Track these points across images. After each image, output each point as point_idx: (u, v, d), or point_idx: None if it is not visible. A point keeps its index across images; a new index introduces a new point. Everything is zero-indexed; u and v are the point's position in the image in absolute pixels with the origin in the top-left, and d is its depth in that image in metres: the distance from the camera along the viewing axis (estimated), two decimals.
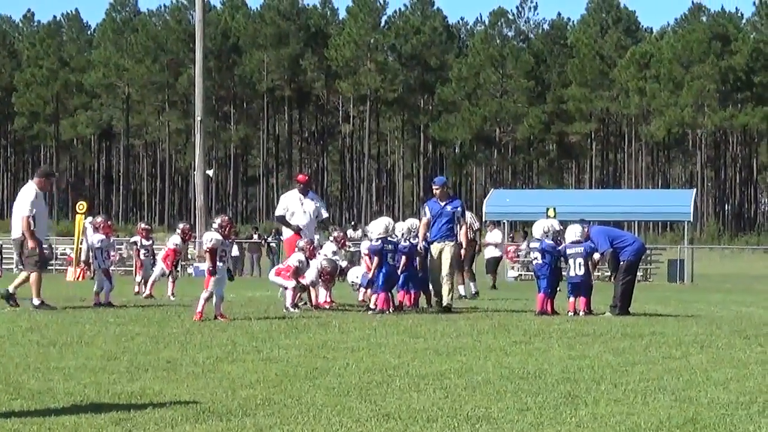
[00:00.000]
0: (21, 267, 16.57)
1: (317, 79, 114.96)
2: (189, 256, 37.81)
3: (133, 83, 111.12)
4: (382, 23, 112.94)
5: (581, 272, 15.57)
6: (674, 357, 10.20)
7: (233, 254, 32.12)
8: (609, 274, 21.02)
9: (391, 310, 15.39)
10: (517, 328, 12.91)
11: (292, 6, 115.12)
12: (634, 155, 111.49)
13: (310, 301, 16.52)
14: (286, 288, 15.93)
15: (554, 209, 33.60)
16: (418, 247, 16.08)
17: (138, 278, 21.84)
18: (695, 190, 56.51)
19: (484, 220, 39.16)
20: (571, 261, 15.67)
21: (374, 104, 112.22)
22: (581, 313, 15.44)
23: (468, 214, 24.15)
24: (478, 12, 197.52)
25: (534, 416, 6.78)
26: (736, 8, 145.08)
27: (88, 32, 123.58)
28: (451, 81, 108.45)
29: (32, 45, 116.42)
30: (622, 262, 16.07)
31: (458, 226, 16.47)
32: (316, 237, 17.38)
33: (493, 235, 34.46)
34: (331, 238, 17.88)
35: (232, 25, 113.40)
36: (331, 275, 16.45)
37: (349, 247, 25.94)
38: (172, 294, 19.89)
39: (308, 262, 16.05)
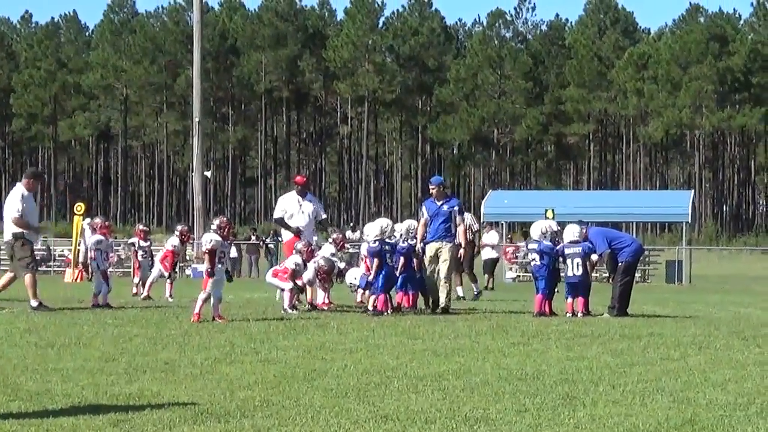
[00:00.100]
0: (10, 269, 16.38)
1: (315, 80, 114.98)
2: (187, 258, 37.79)
3: (131, 84, 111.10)
4: (380, 24, 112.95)
5: (579, 272, 15.57)
6: (672, 358, 10.20)
7: (232, 256, 32.13)
8: (607, 275, 21.00)
9: (389, 312, 15.39)
10: (515, 330, 12.91)
11: (290, 7, 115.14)
12: (632, 156, 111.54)
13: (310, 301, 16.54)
14: (283, 290, 15.93)
15: (553, 211, 33.62)
16: (416, 248, 16.08)
17: (136, 280, 21.83)
18: (693, 191, 56.53)
19: (482, 221, 39.15)
20: (569, 261, 15.66)
21: (372, 105, 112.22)
22: (579, 315, 15.44)
23: (468, 215, 24.15)
24: (476, 13, 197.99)
25: (532, 417, 6.78)
26: (734, 9, 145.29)
27: (86, 33, 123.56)
28: (449, 82, 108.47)
29: (30, 46, 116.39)
30: (620, 263, 16.07)
31: (455, 226, 16.44)
32: (315, 238, 17.37)
33: (490, 237, 34.46)
34: (330, 240, 17.87)
35: (230, 26, 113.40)
36: (328, 273, 16.43)
37: (348, 248, 25.93)
38: (170, 295, 19.89)
39: (306, 265, 16.04)
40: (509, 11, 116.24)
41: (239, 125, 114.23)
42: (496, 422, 6.62)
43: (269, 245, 42.83)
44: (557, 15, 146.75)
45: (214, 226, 14.38)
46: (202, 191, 41.93)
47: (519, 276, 40.93)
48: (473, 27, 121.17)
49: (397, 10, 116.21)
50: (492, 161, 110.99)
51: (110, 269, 19.01)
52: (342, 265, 17.57)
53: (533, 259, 16.13)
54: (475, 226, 24.82)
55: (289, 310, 15.46)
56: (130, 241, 24.23)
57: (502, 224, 44.05)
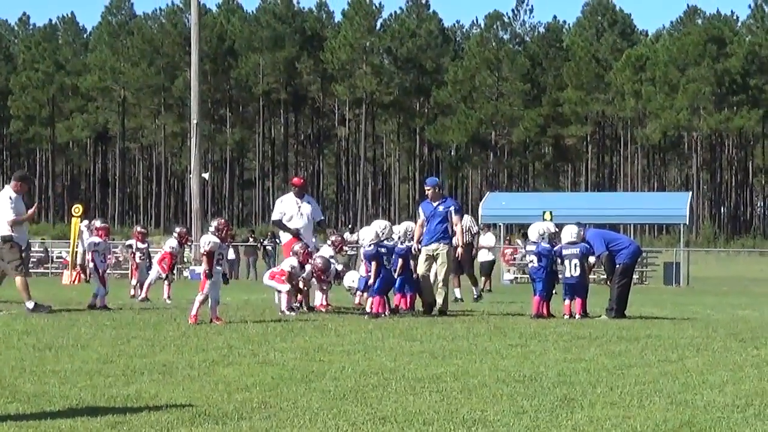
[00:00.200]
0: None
1: (313, 82, 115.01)
2: (185, 260, 37.78)
3: (129, 86, 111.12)
4: (378, 26, 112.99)
5: (576, 273, 15.57)
6: (670, 360, 10.21)
7: (229, 257, 32.12)
8: (604, 277, 21.02)
9: (387, 313, 15.38)
10: (513, 331, 12.91)
11: (288, 9, 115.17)
12: (630, 158, 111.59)
13: (307, 303, 16.53)
14: (280, 291, 15.92)
15: (551, 213, 33.63)
16: (413, 249, 16.07)
17: (134, 281, 21.82)
18: (691, 192, 56.56)
19: (479, 223, 39.15)
20: (566, 262, 15.65)
21: (370, 107, 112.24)
22: (577, 316, 15.44)
23: (467, 217, 24.14)
24: (473, 15, 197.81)
25: (530, 419, 6.78)
26: (732, 11, 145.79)
27: (84, 35, 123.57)
28: (447, 84, 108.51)
29: (28, 48, 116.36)
30: (618, 265, 16.07)
31: (452, 227, 16.40)
32: (313, 240, 17.34)
33: (487, 239, 34.45)
34: (329, 242, 17.85)
35: (227, 28, 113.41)
36: (323, 271, 16.40)
37: (346, 251, 25.90)
38: (168, 297, 19.88)
39: (303, 267, 16.02)
40: (507, 13, 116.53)
41: (237, 127, 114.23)
42: (494, 424, 6.62)
43: (267, 247, 42.82)
44: (555, 17, 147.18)
45: (212, 228, 14.36)
46: (200, 193, 41.91)
47: (517, 278, 40.94)
48: (471, 29, 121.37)
49: (395, 12, 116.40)
50: (490, 163, 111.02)
51: (108, 271, 19.01)
52: (340, 267, 17.55)
53: (531, 261, 16.13)
54: (475, 228, 24.81)
55: (287, 312, 15.46)
56: (128, 242, 24.22)
57: (499, 226, 44.08)
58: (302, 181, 17.99)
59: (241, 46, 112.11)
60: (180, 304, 17.98)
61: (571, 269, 15.59)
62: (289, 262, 15.97)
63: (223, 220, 14.64)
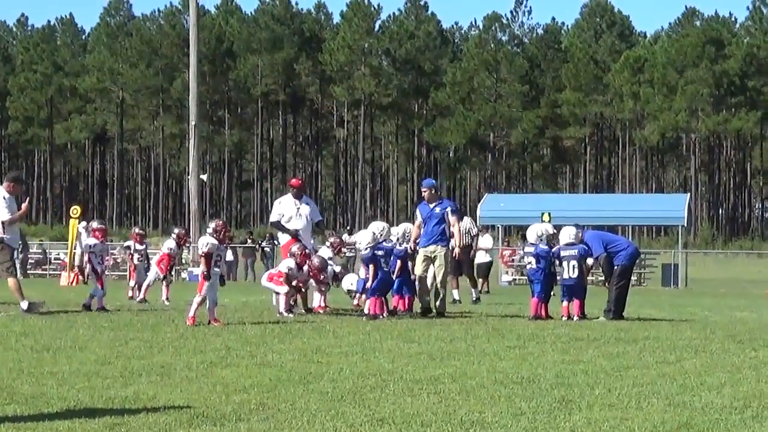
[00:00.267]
0: None
1: (311, 83, 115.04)
2: (183, 261, 37.76)
3: (128, 88, 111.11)
4: (377, 28, 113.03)
5: (575, 274, 15.56)
6: (668, 361, 10.20)
7: (228, 259, 32.10)
8: (603, 278, 21.03)
9: (385, 315, 15.38)
10: (511, 333, 12.91)
11: (287, 10, 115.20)
12: (628, 159, 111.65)
13: (306, 304, 16.53)
14: (278, 293, 15.92)
15: (549, 214, 33.62)
16: (409, 249, 16.06)
17: (132, 283, 21.81)
18: (689, 194, 56.58)
19: (478, 224, 39.14)
20: (564, 263, 15.64)
21: (368, 109, 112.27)
22: (575, 318, 15.44)
23: (467, 219, 24.13)
24: (472, 16, 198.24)
25: (528, 421, 6.77)
26: (730, 13, 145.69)
27: (83, 37, 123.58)
28: (446, 85, 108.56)
29: (26, 49, 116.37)
30: (616, 267, 16.06)
31: (450, 228, 16.38)
32: (312, 242, 17.34)
33: (484, 240, 34.41)
34: (327, 244, 17.85)
35: (226, 30, 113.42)
36: (320, 270, 16.38)
37: (345, 252, 25.90)
38: (167, 299, 19.87)
39: (300, 268, 16.01)
40: (505, 15, 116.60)
41: (235, 128, 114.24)
42: (492, 426, 6.62)
43: (265, 248, 42.81)
44: (553, 18, 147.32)
45: (210, 230, 14.35)
46: (198, 194, 41.92)
47: (515, 279, 40.94)
48: (469, 30, 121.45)
49: (394, 14, 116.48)
50: (488, 164, 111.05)
51: (106, 272, 19.00)
52: (338, 268, 17.55)
53: (529, 263, 16.11)
54: (474, 230, 24.80)
55: (285, 314, 15.46)
56: (126, 244, 24.21)
57: (498, 228, 44.08)
58: (300, 182, 18.00)
59: (239, 47, 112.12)
60: (178, 305, 17.97)
61: (569, 271, 15.58)
62: (286, 264, 15.97)
63: (221, 222, 14.62)
